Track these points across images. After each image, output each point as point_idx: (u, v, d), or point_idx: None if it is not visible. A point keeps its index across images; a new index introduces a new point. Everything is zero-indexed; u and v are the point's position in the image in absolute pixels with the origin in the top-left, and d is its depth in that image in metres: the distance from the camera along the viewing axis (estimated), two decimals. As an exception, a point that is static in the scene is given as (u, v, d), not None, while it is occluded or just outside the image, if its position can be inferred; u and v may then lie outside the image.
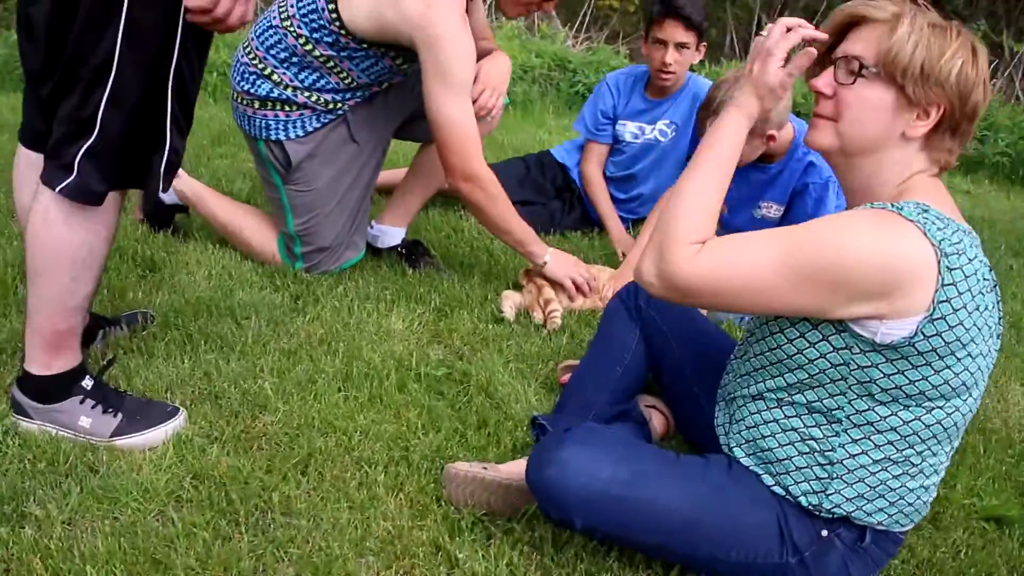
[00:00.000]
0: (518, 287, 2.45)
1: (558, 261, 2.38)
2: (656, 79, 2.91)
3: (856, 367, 1.22)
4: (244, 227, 2.46)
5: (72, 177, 1.41)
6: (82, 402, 1.59)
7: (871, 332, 1.19)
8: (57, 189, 1.42)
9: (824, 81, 1.29)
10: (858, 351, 1.21)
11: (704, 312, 2.34)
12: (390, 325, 2.15)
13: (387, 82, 2.30)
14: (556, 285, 2.37)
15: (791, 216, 2.41)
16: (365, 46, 2.15)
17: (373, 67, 2.22)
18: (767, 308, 1.24)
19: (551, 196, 3.14)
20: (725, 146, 1.32)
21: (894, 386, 1.21)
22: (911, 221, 1.16)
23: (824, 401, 1.27)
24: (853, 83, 1.25)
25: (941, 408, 1.23)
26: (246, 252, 2.47)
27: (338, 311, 2.19)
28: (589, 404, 1.72)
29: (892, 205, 1.20)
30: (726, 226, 2.65)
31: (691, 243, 1.26)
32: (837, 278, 1.16)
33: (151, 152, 1.48)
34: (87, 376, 1.61)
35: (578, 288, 2.39)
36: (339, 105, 2.26)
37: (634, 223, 3.23)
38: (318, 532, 1.42)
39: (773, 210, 2.55)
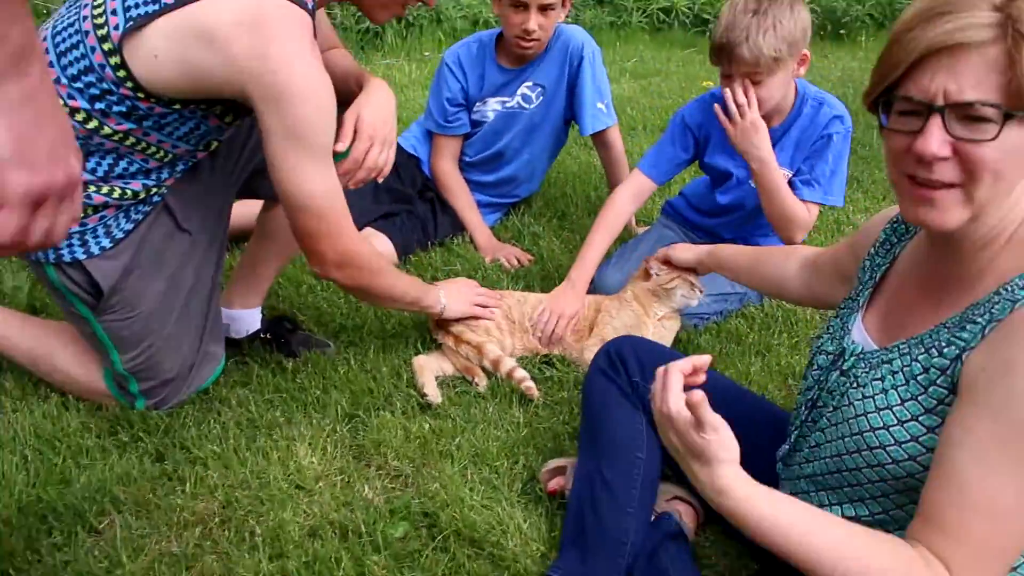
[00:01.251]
0: (426, 344, 2.01)
1: (452, 296, 1.95)
2: (515, 47, 2.42)
3: None
4: (56, 352, 1.79)
5: None
6: None
7: None
8: None
9: (937, 141, 0.93)
10: None
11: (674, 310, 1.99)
12: (300, 463, 1.65)
13: (215, 142, 1.65)
14: (460, 322, 1.97)
15: (813, 173, 2.07)
16: (177, 107, 1.48)
17: (194, 132, 1.55)
18: None
19: (413, 199, 2.62)
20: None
21: None
22: None
23: None
24: (996, 136, 0.91)
25: None
26: (64, 388, 1.81)
27: (226, 463, 1.64)
28: (618, 538, 1.36)
29: None
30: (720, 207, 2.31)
31: None
32: None
33: None
34: None
35: (485, 308, 2.00)
36: (154, 191, 1.59)
37: (511, 208, 2.81)
38: None
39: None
